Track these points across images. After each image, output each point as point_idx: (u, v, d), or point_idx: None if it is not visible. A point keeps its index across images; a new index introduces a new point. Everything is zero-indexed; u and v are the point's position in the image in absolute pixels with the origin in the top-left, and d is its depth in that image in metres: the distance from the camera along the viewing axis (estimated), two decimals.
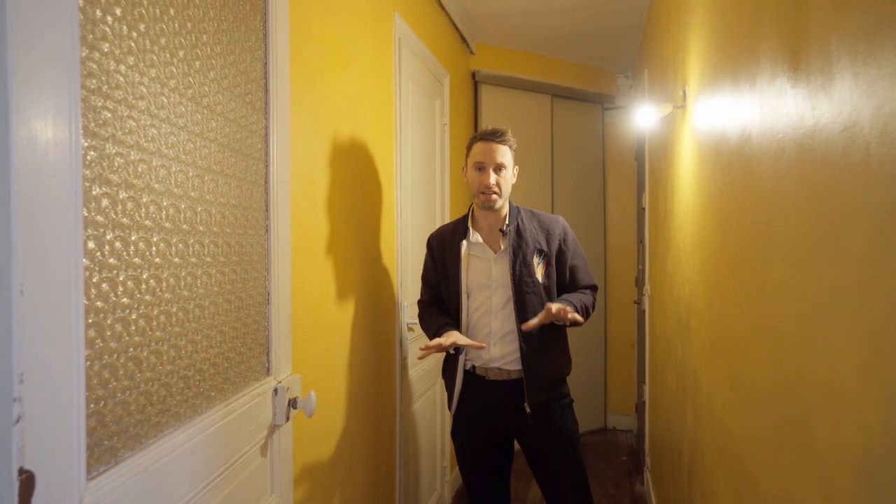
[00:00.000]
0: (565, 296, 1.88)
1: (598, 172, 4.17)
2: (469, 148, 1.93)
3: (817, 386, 0.74)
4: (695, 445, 1.66)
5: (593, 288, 1.95)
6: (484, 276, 1.88)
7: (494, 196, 1.84)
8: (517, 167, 1.94)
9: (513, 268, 1.83)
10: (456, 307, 1.90)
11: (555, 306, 1.70)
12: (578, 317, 1.73)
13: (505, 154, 1.86)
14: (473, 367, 1.89)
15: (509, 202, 1.92)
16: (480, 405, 1.89)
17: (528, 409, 1.82)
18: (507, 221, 1.89)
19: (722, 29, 1.32)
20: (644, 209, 3.33)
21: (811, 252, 0.75)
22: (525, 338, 1.81)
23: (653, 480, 2.90)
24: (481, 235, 1.91)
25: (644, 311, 3.28)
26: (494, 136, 1.86)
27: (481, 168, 1.86)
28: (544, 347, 1.83)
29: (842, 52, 0.66)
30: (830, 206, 0.69)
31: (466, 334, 1.88)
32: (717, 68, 1.38)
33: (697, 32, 1.63)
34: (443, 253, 1.96)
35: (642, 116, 2.12)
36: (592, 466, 3.29)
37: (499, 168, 1.85)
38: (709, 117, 1.47)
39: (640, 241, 3.68)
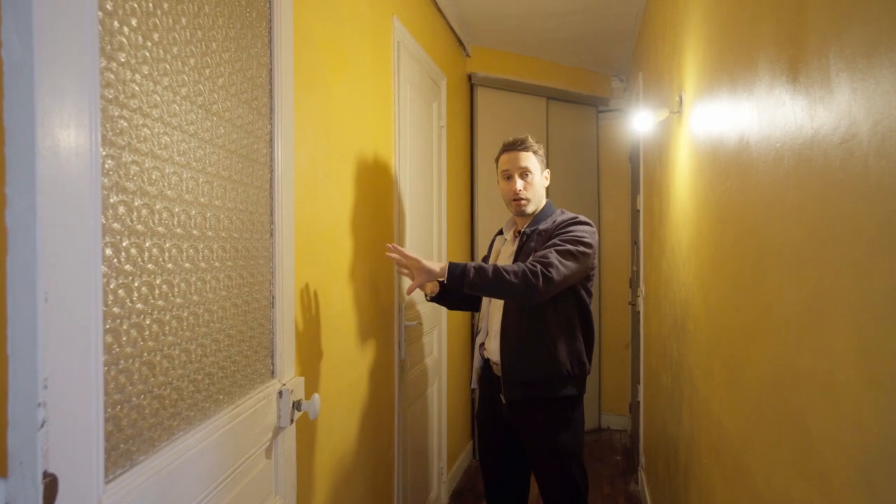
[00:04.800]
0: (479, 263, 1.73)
1: (593, 174, 4.20)
2: (497, 161, 2.04)
3: (815, 387, 0.76)
4: (691, 445, 1.69)
5: (542, 261, 1.70)
6: None
7: (524, 202, 1.94)
8: (548, 170, 2.04)
9: None
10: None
11: (407, 254, 1.74)
12: (405, 266, 1.75)
13: (529, 159, 1.95)
14: (489, 358, 2.02)
15: (549, 204, 2.00)
16: (489, 393, 2.04)
17: (503, 400, 1.92)
18: (528, 223, 1.97)
19: (719, 37, 1.34)
20: (638, 211, 3.36)
21: (809, 258, 0.78)
22: (503, 333, 1.90)
23: (647, 480, 2.93)
24: (510, 235, 2.08)
25: (639, 312, 3.31)
26: (515, 145, 1.96)
27: (508, 177, 1.97)
28: (521, 343, 1.86)
29: (840, 67, 0.68)
30: (828, 215, 0.72)
31: (485, 321, 2.04)
32: (714, 76, 1.40)
33: (694, 40, 1.65)
34: (490, 246, 2.19)
35: (639, 121, 2.15)
36: (587, 466, 3.31)
37: (524, 173, 1.95)
38: (706, 123, 1.50)
39: (635, 242, 3.72)
